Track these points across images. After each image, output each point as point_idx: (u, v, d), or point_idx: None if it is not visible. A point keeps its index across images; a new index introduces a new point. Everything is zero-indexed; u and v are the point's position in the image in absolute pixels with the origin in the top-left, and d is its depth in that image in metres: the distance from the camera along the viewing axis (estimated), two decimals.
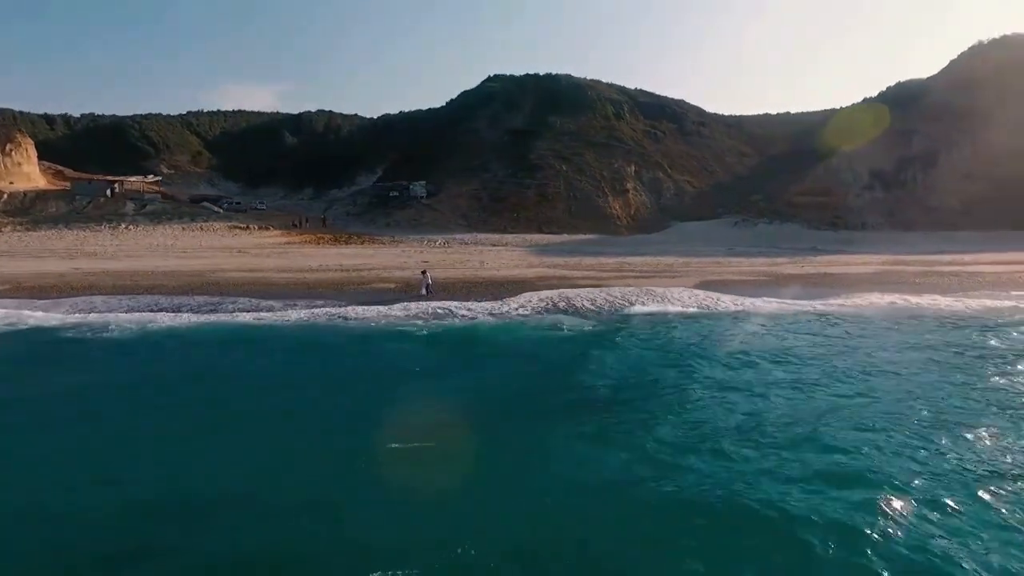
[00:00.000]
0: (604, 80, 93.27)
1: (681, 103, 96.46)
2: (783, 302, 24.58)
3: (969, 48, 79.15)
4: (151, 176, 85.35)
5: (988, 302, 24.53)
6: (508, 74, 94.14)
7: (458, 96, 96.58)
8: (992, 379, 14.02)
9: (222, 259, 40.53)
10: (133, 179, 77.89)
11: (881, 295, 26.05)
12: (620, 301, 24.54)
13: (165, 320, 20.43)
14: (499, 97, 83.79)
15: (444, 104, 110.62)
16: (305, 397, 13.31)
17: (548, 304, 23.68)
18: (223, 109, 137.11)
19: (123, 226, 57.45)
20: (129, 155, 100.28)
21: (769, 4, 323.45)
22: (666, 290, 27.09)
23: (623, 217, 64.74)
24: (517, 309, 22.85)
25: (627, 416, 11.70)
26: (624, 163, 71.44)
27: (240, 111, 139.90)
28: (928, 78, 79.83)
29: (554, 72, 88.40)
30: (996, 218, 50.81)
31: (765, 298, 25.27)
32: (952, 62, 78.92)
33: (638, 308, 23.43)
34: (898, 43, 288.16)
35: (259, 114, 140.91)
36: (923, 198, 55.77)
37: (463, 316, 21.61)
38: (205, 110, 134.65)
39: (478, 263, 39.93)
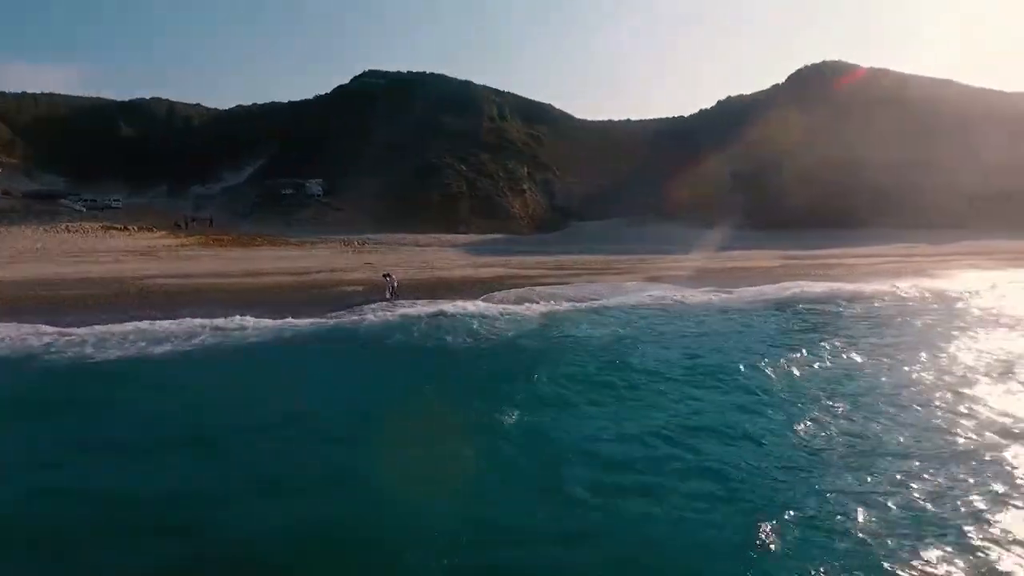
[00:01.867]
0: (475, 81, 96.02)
1: (551, 107, 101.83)
2: (731, 293, 28.54)
3: (807, 66, 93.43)
4: None
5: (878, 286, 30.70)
6: (386, 70, 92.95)
7: (334, 91, 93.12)
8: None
9: (136, 263, 36.50)
10: None
11: (811, 283, 31.48)
12: (619, 294, 27.15)
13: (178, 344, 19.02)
14: (384, 95, 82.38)
15: (312, 98, 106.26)
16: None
17: (562, 301, 25.49)
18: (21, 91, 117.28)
19: None
20: None
21: (621, 14, 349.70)
22: (646, 284, 30.25)
23: (524, 217, 67.64)
24: (538, 306, 24.41)
25: None
26: (516, 164, 74.40)
27: (53, 94, 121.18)
28: (772, 87, 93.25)
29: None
30: (840, 218, 61.35)
31: (707, 290, 29.00)
32: (791, 76, 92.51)
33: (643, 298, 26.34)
34: (746, 57, 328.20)
35: (77, 99, 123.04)
36: (776, 200, 65.49)
37: (515, 313, 22.71)
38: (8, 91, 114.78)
39: (421, 263, 40.15)
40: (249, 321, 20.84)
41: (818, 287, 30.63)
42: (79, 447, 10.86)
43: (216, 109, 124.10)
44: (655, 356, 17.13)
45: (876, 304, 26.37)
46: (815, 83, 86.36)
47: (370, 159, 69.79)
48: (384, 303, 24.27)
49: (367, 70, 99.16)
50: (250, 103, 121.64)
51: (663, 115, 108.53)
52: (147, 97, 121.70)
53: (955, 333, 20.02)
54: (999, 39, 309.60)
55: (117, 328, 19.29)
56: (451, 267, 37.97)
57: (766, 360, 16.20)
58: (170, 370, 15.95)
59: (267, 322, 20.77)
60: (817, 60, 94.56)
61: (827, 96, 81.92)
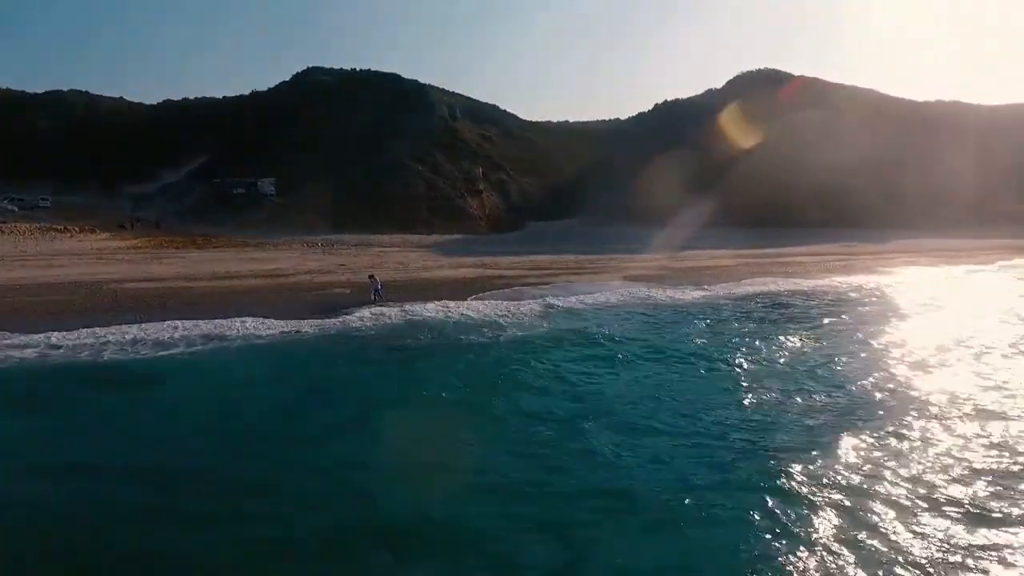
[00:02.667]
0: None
1: (496, 107, 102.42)
2: (709, 291, 30.09)
3: (745, 72, 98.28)
4: None
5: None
6: (332, 67, 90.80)
7: (279, 87, 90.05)
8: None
9: (94, 267, 34.48)
10: None
11: (775, 279, 33.47)
12: (606, 292, 28.01)
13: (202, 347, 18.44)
14: (336, 92, 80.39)
15: (249, 94, 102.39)
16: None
17: (554, 300, 26.03)
18: None
19: None
20: None
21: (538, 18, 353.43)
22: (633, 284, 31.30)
23: (482, 217, 67.89)
24: (532, 304, 24.87)
25: None
26: (471, 164, 74.54)
27: None
28: (706, 91, 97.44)
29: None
30: (787, 218, 65.07)
31: (686, 288, 30.49)
32: (731, 81, 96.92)
33: (631, 297, 27.31)
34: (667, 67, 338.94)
35: None
36: (727, 200, 68.54)
37: (515, 313, 23.07)
38: None
39: (397, 264, 39.90)
40: (249, 324, 20.38)
41: (784, 284, 32.72)
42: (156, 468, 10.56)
43: (141, 104, 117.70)
44: (686, 348, 18.14)
45: (839, 297, 28.57)
46: (755, 89, 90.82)
47: (322, 158, 68.12)
48: (373, 305, 23.98)
49: (310, 67, 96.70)
50: (179, 98, 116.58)
51: (597, 117, 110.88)
52: (64, 90, 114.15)
53: (912, 317, 22.56)
54: (921, 51, 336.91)
55: (107, 334, 18.32)
56: (430, 268, 37.95)
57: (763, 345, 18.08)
58: (206, 374, 15.55)
59: (275, 323, 20.40)
60: (753, 68, 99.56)
61: (766, 102, 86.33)
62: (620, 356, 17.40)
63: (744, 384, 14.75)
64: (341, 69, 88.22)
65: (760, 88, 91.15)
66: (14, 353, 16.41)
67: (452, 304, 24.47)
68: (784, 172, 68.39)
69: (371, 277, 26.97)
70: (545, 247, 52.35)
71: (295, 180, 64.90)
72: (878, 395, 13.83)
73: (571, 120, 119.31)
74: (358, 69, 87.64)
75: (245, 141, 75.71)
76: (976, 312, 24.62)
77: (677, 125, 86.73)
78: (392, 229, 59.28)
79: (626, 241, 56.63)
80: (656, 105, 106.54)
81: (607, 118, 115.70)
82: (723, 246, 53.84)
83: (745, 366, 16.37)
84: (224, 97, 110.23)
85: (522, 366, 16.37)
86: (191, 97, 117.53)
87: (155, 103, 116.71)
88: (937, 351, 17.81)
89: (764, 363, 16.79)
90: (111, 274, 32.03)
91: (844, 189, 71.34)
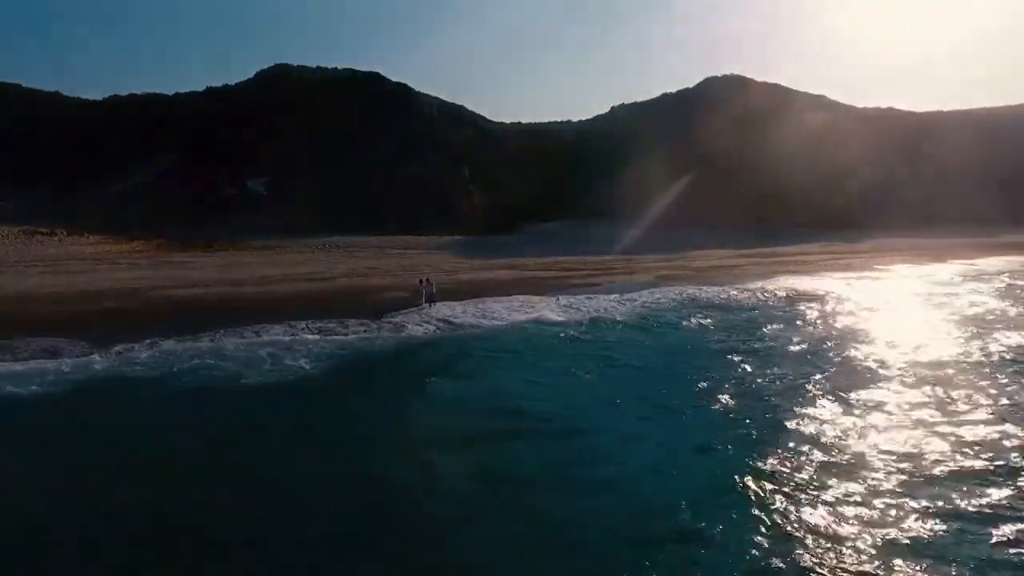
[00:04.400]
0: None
1: (465, 108, 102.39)
2: (747, 291, 31.68)
3: (713, 77, 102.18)
4: None
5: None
6: (304, 65, 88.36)
7: (247, 84, 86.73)
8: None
9: (119, 273, 32.96)
10: None
11: (797, 278, 35.52)
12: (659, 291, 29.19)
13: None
14: (317, 91, 78.24)
15: (217, 88, 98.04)
16: None
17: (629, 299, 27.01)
18: None
19: None
20: None
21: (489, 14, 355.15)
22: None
23: (475, 218, 68.01)
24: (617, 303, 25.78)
25: None
26: (458, 164, 74.54)
27: None
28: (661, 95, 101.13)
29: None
30: (766, 218, 68.65)
31: (726, 287, 31.96)
32: (699, 85, 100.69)
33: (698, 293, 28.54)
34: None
35: None
36: (711, 200, 71.58)
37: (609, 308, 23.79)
38: None
39: (427, 267, 39.74)
40: (350, 326, 20.72)
41: (807, 282, 34.63)
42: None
43: (79, 98, 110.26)
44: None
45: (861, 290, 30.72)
46: (721, 93, 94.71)
47: (308, 158, 66.65)
48: (426, 307, 24.05)
49: (276, 64, 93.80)
50: (125, 93, 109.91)
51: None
52: None
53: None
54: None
55: (197, 345, 17.97)
56: (462, 270, 38.11)
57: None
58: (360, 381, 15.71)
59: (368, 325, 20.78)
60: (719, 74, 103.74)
61: (733, 106, 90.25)
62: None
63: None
64: (318, 67, 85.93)
65: (727, 91, 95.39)
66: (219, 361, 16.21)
67: (540, 301, 25.12)
68: (765, 173, 72.04)
69: (423, 280, 26.42)
70: (553, 247, 53.14)
71: (283, 181, 63.26)
72: None
73: (535, 121, 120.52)
74: (331, 67, 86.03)
75: (220, 140, 72.68)
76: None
77: (651, 125, 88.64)
78: (391, 230, 58.77)
79: (621, 242, 57.98)
80: (613, 108, 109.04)
81: (563, 119, 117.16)
82: (716, 245, 56.25)
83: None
84: (178, 94, 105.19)
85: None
86: (138, 92, 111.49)
87: (99, 99, 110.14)
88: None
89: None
90: (146, 280, 30.83)
91: (811, 191, 76.07)
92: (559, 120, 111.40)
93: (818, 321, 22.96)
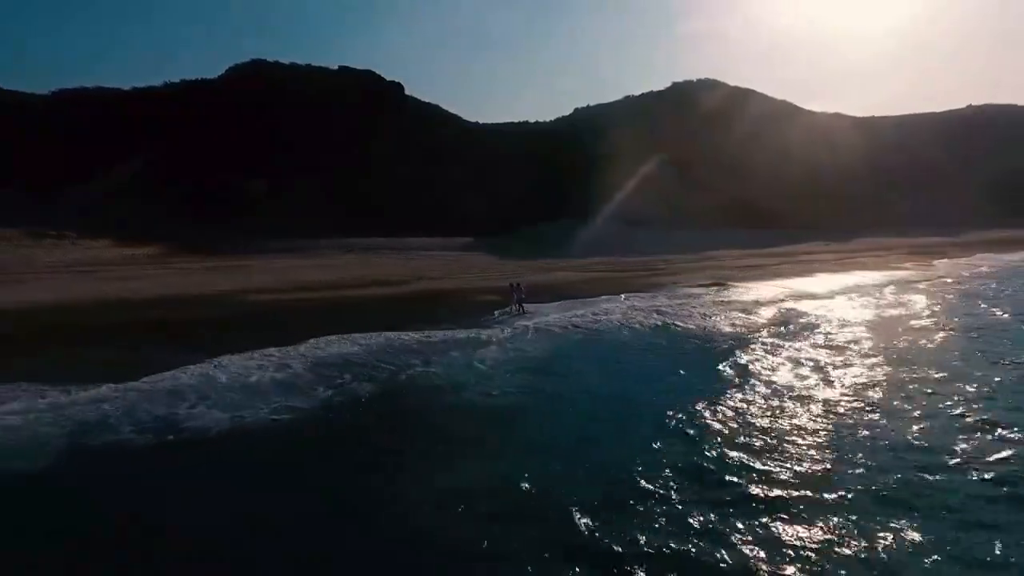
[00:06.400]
0: None
1: (439, 107, 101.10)
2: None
3: (683, 82, 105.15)
4: None
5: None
6: (283, 62, 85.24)
7: (225, 79, 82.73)
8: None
9: (164, 278, 30.91)
10: None
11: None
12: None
13: None
14: (310, 89, 75.38)
15: (165, 85, 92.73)
16: None
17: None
18: None
19: None
20: None
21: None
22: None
23: (474, 220, 67.08)
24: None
25: None
26: (451, 166, 73.63)
27: None
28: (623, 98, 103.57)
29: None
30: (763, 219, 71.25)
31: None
32: (669, 88, 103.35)
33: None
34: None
35: None
36: (697, 200, 73.78)
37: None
38: None
39: (466, 270, 38.85)
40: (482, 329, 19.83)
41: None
42: None
43: (27, 93, 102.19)
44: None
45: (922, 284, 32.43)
46: (691, 96, 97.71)
47: (302, 159, 64.30)
48: (518, 311, 23.38)
49: (252, 59, 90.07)
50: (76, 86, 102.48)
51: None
52: None
53: None
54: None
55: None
56: (523, 272, 37.23)
57: None
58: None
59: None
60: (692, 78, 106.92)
61: (702, 109, 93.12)
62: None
63: None
64: (311, 65, 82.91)
65: (697, 94, 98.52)
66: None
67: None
68: (756, 175, 74.75)
69: (514, 285, 25.27)
70: (565, 251, 52.82)
71: (279, 181, 60.77)
72: None
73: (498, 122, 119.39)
74: (303, 64, 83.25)
75: (204, 138, 68.97)
76: None
77: (624, 126, 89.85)
78: (398, 232, 57.50)
79: (635, 242, 58.80)
80: (577, 109, 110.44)
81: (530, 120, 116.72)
82: (724, 245, 57.88)
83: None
84: (135, 88, 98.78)
85: None
86: (88, 87, 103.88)
87: (48, 93, 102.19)
88: None
89: None
90: (208, 286, 29.17)
91: (787, 192, 79.61)
92: (516, 121, 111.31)
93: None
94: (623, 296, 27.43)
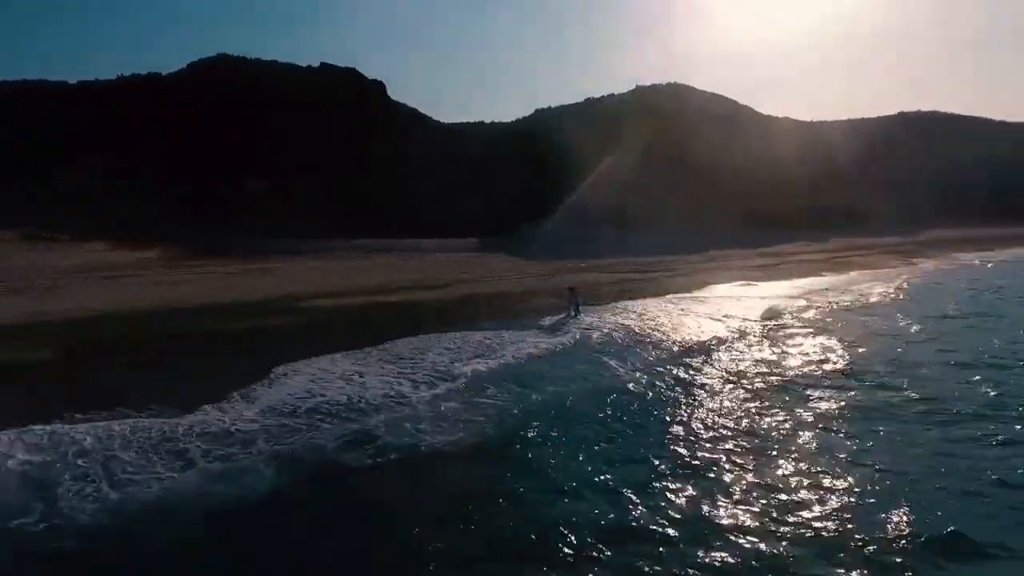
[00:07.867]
0: None
1: (416, 110, 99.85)
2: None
3: (649, 85, 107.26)
4: None
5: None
6: (251, 57, 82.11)
7: (192, 74, 78.81)
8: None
9: (205, 283, 29.67)
10: None
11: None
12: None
13: None
14: (304, 88, 72.64)
15: (143, 76, 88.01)
16: None
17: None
18: None
19: None
20: None
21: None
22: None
23: (471, 221, 66.67)
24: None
25: None
26: (444, 165, 72.98)
27: None
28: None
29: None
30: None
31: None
32: (635, 90, 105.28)
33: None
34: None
35: None
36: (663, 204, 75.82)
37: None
38: None
39: (488, 273, 38.59)
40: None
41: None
42: None
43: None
44: None
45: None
46: (659, 98, 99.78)
47: (299, 157, 62.39)
48: (575, 316, 23.82)
49: (218, 54, 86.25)
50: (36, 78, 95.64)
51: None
52: None
53: None
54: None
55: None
56: (549, 275, 37.60)
57: None
58: None
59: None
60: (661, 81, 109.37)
61: (675, 112, 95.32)
62: None
63: None
64: (297, 64, 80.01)
65: (664, 96, 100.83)
66: None
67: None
68: (753, 175, 77.40)
69: (571, 289, 25.76)
70: (581, 249, 53.31)
71: (274, 181, 58.76)
72: None
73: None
74: (269, 59, 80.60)
75: (187, 135, 65.58)
76: None
77: (598, 125, 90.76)
78: (402, 233, 56.69)
79: (629, 244, 59.52)
80: (538, 109, 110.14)
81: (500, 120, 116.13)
82: (723, 247, 59.61)
83: None
84: (98, 80, 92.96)
85: None
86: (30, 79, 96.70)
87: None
88: None
89: None
90: (255, 290, 28.31)
91: (764, 193, 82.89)
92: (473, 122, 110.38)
93: None
94: (668, 296, 28.32)
